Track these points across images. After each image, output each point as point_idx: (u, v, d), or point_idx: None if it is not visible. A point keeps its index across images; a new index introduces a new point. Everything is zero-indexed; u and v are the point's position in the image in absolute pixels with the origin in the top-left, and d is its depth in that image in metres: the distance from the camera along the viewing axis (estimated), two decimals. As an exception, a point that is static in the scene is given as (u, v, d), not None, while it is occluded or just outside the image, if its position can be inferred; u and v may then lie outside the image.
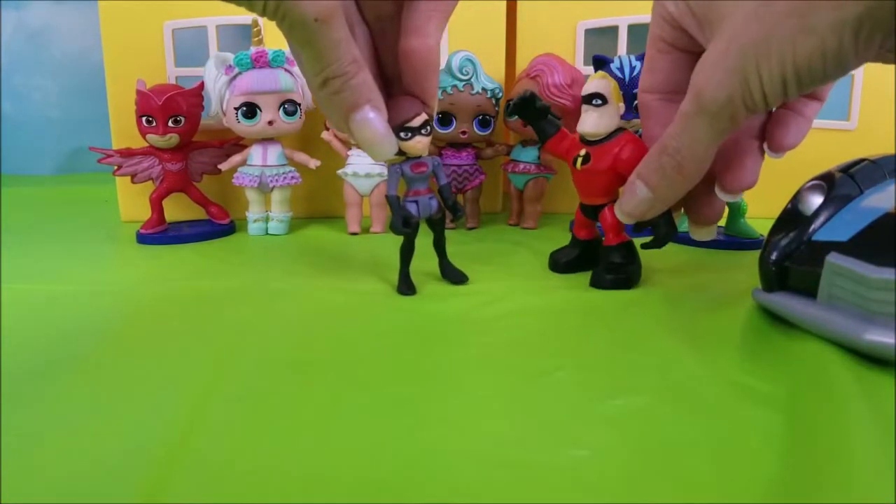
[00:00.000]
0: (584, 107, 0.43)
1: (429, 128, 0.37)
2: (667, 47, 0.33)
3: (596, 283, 0.42)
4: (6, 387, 0.28)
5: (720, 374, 0.29)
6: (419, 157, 0.39)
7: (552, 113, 0.45)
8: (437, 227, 0.43)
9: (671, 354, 0.31)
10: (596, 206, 0.44)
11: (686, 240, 0.53)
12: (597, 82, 0.43)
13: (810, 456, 0.22)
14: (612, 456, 0.23)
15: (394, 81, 0.29)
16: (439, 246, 0.44)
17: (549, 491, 0.21)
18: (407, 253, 0.42)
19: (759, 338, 0.33)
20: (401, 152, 0.37)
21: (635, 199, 0.34)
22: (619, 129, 0.43)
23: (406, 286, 0.41)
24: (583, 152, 0.43)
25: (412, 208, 0.41)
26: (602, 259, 0.43)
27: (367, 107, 0.26)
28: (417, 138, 0.37)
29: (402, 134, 0.35)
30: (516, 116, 0.46)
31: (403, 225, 0.40)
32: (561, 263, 0.46)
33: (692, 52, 0.32)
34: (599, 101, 0.42)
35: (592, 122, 0.42)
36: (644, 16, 0.63)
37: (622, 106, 0.43)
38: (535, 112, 0.43)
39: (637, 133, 0.43)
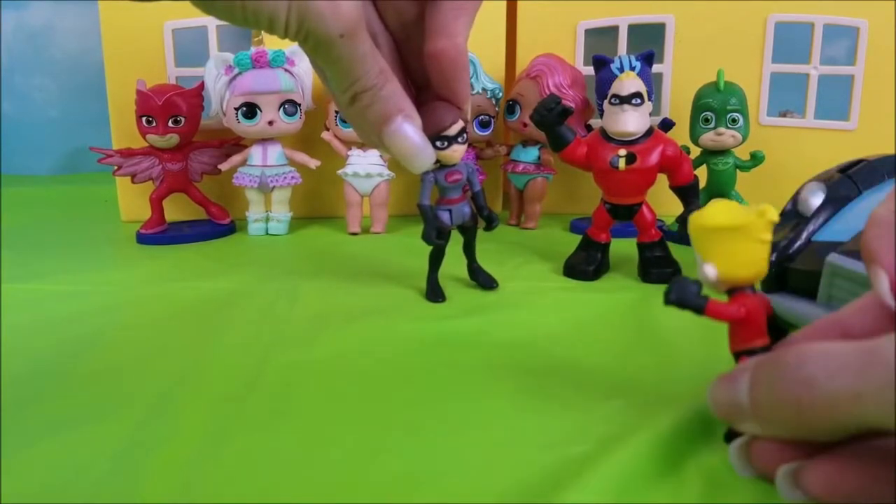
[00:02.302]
0: (623, 107, 0.43)
1: (465, 135, 0.36)
2: None
3: (647, 279, 0.43)
4: (6, 386, 0.28)
5: (721, 370, 0.29)
6: (453, 164, 0.38)
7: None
8: (468, 233, 0.42)
9: (671, 354, 0.31)
10: (630, 206, 0.44)
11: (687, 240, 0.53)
12: (633, 82, 0.43)
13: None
14: (609, 453, 0.23)
15: (423, 89, 0.28)
16: (469, 250, 0.43)
17: (548, 487, 0.21)
18: (436, 260, 0.41)
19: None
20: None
21: None
22: (650, 127, 0.44)
23: (434, 293, 0.40)
24: (623, 153, 0.43)
25: (445, 216, 0.40)
26: (643, 256, 0.44)
27: (399, 118, 0.25)
28: (454, 147, 0.36)
29: (437, 143, 0.34)
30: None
31: (437, 236, 0.39)
32: (590, 271, 0.44)
33: None
34: (639, 101, 0.42)
35: (634, 121, 0.43)
36: (644, 16, 0.63)
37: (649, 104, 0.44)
38: (555, 118, 0.42)
39: None
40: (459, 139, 0.36)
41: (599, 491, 0.21)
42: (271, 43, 0.58)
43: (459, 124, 0.34)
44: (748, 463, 0.21)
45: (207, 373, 0.30)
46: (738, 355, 0.23)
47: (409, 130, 0.25)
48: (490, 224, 0.41)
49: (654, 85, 0.53)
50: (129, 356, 0.32)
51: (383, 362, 0.31)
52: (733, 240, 0.22)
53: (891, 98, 0.63)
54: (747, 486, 0.21)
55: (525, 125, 0.58)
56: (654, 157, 0.42)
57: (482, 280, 0.42)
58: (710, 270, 0.22)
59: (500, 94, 0.61)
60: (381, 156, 0.60)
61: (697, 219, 0.23)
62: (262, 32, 0.57)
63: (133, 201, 0.66)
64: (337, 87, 0.24)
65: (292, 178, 0.60)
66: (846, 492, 0.19)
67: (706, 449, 0.23)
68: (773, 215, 0.22)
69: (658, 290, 0.37)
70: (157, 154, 0.59)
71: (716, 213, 0.22)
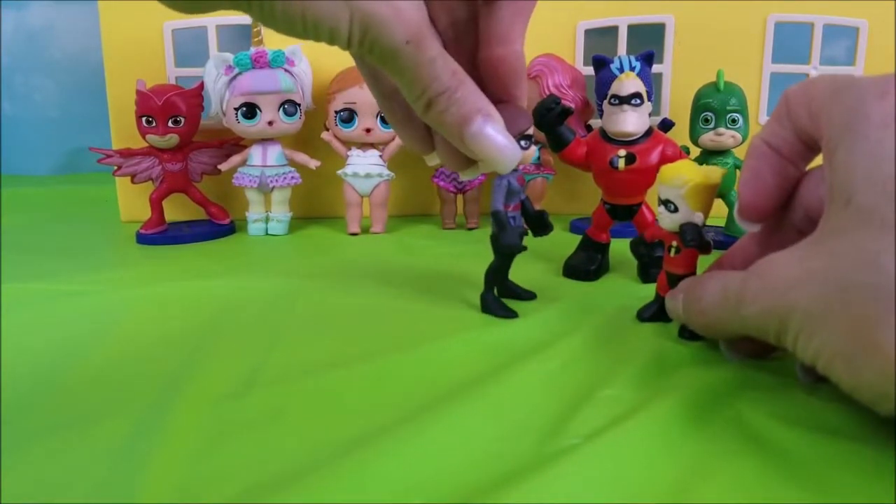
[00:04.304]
0: (623, 107, 0.43)
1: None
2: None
3: (647, 279, 0.43)
4: (6, 386, 0.28)
5: (716, 370, 0.29)
6: (517, 168, 0.36)
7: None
8: None
9: (669, 350, 0.31)
10: (630, 206, 0.44)
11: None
12: (633, 82, 0.43)
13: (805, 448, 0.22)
14: (603, 445, 0.23)
15: None
16: (509, 263, 0.40)
17: (541, 482, 0.21)
18: (499, 275, 0.38)
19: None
20: None
21: None
22: (650, 128, 0.44)
23: (501, 308, 0.37)
24: (623, 153, 0.43)
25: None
26: (643, 256, 0.44)
27: (479, 119, 0.24)
28: (532, 146, 0.35)
29: (522, 143, 0.33)
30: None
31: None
32: (591, 271, 0.44)
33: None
34: (639, 101, 0.43)
35: (633, 122, 0.43)
36: (644, 16, 0.63)
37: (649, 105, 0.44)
38: (555, 118, 0.42)
39: None
40: (533, 138, 0.35)
41: (595, 480, 0.21)
42: (271, 43, 0.58)
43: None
44: (733, 351, 0.30)
45: (207, 373, 0.30)
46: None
47: (491, 130, 0.24)
48: (546, 230, 0.39)
49: (653, 85, 0.53)
50: (129, 356, 0.32)
51: (383, 362, 0.31)
52: (711, 193, 0.32)
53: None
54: (736, 469, 0.21)
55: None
56: (654, 158, 0.43)
57: (521, 293, 0.40)
58: (699, 217, 0.32)
59: (500, 95, 0.61)
60: (380, 156, 0.60)
61: (702, 178, 0.31)
62: (262, 32, 0.57)
63: (133, 201, 0.66)
64: (409, 95, 0.23)
65: (292, 178, 0.60)
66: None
67: (697, 440, 0.23)
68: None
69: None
70: (156, 154, 0.59)
71: (713, 173, 0.32)
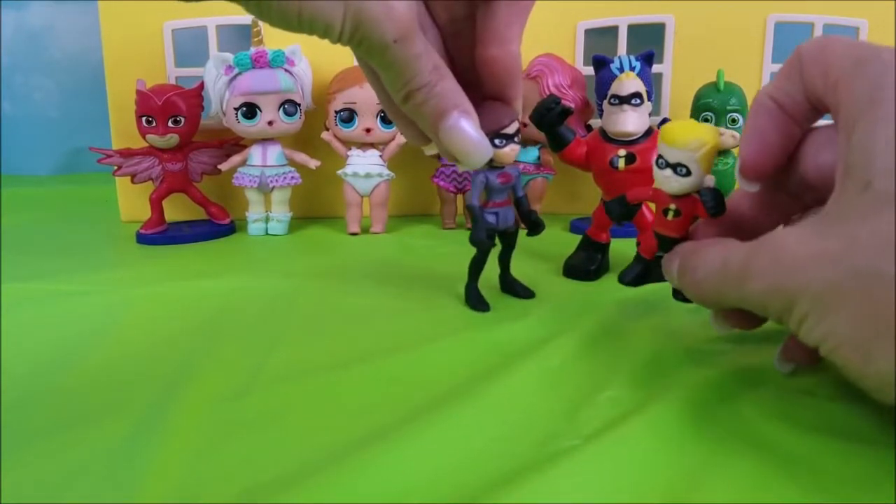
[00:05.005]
0: (623, 107, 0.43)
1: (520, 135, 0.35)
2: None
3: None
4: (6, 386, 0.28)
5: (716, 370, 0.29)
6: (503, 166, 0.37)
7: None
8: (510, 238, 0.40)
9: (668, 349, 0.31)
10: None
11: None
12: (633, 82, 0.43)
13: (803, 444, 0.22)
14: (603, 445, 0.23)
15: (471, 87, 0.28)
16: (506, 259, 0.41)
17: (541, 482, 0.21)
18: (479, 267, 0.39)
19: (757, 334, 0.33)
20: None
21: None
22: (650, 128, 0.44)
23: (478, 301, 0.38)
24: (623, 153, 0.43)
25: (491, 220, 0.38)
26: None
27: (454, 113, 0.24)
28: (511, 146, 0.35)
29: (497, 141, 0.34)
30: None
31: (487, 237, 0.38)
32: (591, 271, 0.44)
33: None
34: (639, 101, 0.43)
35: (633, 121, 0.43)
36: (644, 16, 0.63)
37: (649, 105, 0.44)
38: (555, 118, 0.42)
39: None
40: (516, 138, 0.35)
41: (595, 481, 0.21)
42: (271, 43, 0.58)
43: (516, 124, 0.33)
44: (723, 323, 0.29)
45: (207, 373, 0.30)
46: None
47: (465, 126, 0.24)
48: (536, 229, 0.40)
49: (654, 85, 0.53)
50: (129, 356, 0.32)
51: (383, 362, 0.31)
52: (713, 155, 0.31)
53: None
54: (736, 469, 0.21)
55: (525, 125, 0.58)
56: (654, 158, 0.43)
57: (519, 291, 0.41)
58: (711, 180, 0.31)
59: (500, 94, 0.61)
60: (380, 156, 0.60)
61: (717, 140, 0.30)
62: (262, 32, 0.57)
63: (133, 201, 0.66)
64: (390, 88, 0.24)
65: (292, 178, 0.60)
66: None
67: (696, 436, 0.23)
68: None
69: (658, 290, 0.37)
70: (156, 154, 0.59)
71: (718, 133, 0.31)
